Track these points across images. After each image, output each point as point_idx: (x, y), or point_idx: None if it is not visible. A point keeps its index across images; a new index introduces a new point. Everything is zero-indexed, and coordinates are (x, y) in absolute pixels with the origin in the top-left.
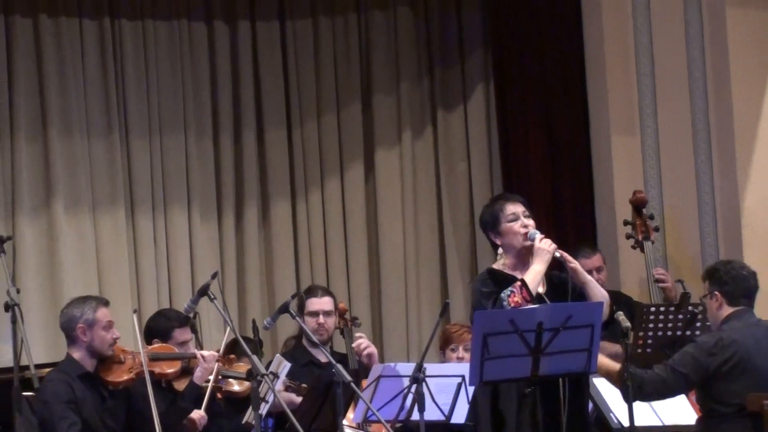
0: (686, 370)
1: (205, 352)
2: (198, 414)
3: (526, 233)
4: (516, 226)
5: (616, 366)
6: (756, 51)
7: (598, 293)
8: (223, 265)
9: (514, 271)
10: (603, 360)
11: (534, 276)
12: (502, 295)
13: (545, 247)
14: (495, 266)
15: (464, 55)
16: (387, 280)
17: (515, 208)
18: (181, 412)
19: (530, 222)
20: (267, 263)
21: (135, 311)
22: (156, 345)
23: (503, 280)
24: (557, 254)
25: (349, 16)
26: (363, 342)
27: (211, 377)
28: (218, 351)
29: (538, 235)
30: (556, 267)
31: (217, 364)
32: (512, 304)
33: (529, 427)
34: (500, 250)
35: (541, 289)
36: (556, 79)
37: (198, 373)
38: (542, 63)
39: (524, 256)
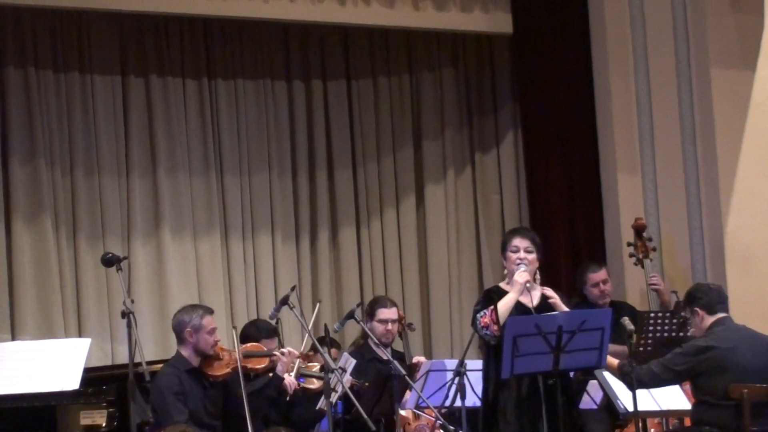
0: (675, 368)
1: (285, 349)
2: (289, 379)
3: (517, 265)
4: (514, 256)
5: (614, 362)
6: (736, 104)
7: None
8: (301, 280)
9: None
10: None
11: (505, 302)
12: (478, 315)
13: (519, 279)
14: (501, 284)
15: (497, 109)
16: (434, 291)
17: (520, 243)
18: (266, 399)
19: (528, 256)
20: (336, 278)
21: (234, 328)
22: (248, 345)
23: (497, 296)
24: (528, 285)
25: (403, 76)
26: (420, 360)
27: (293, 371)
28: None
29: (521, 269)
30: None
31: (298, 360)
32: (482, 323)
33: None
34: (506, 271)
35: (533, 303)
36: (571, 128)
37: (280, 367)
38: (560, 115)
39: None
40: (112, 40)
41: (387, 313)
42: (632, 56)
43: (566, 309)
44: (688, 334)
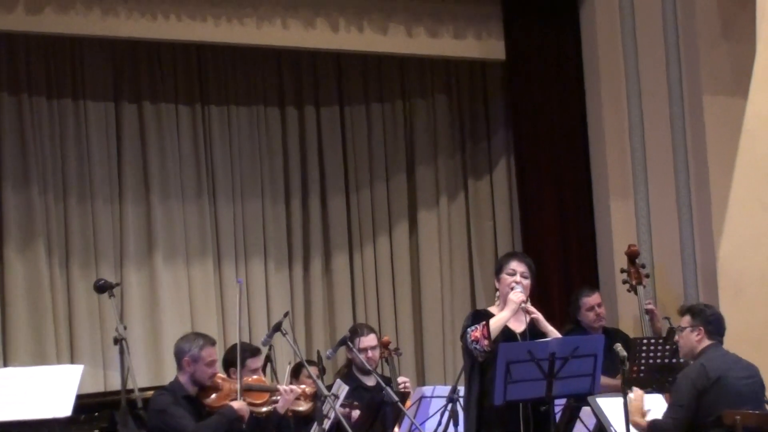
0: (687, 402)
1: (287, 387)
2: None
3: (511, 288)
4: (509, 279)
5: (644, 423)
6: (728, 131)
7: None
8: (293, 307)
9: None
10: (636, 419)
11: (498, 320)
12: (469, 329)
13: (514, 298)
14: (489, 307)
15: (490, 135)
16: (427, 317)
17: (517, 267)
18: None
19: (523, 281)
20: (329, 305)
21: (224, 359)
22: (250, 378)
23: (482, 317)
24: (523, 305)
25: (396, 102)
26: (405, 382)
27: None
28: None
29: (518, 289)
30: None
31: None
32: (472, 337)
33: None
34: (497, 294)
35: (519, 329)
36: (564, 155)
37: (281, 403)
38: (553, 142)
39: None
40: (106, 66)
41: (366, 341)
42: (624, 83)
43: (549, 326)
44: (681, 360)
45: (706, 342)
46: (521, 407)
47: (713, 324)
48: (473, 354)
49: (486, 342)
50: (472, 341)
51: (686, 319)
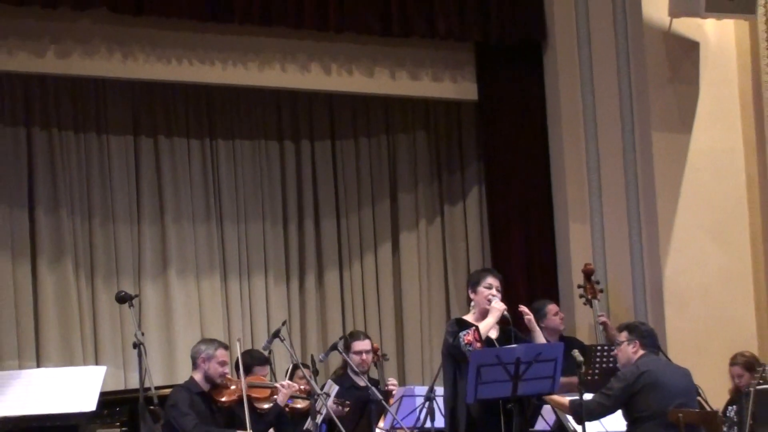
0: (618, 393)
1: (285, 382)
2: None
3: (489, 299)
4: (487, 292)
5: (564, 401)
6: (674, 164)
7: (540, 339)
8: (290, 316)
9: (476, 322)
10: (554, 397)
11: (486, 325)
12: (461, 333)
13: (497, 307)
14: (464, 316)
15: (463, 167)
16: (408, 326)
17: (493, 281)
18: (265, 424)
19: (498, 294)
20: (321, 315)
21: (236, 363)
22: (252, 377)
23: (464, 326)
24: (505, 313)
25: (381, 137)
26: (394, 384)
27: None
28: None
29: (496, 300)
30: (507, 322)
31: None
32: (466, 341)
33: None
34: (473, 304)
35: (494, 335)
36: (529, 185)
37: (280, 398)
38: (519, 173)
39: (485, 313)
40: (126, 105)
41: (361, 345)
42: (583, 122)
43: (536, 326)
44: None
45: (641, 352)
46: (501, 404)
47: (647, 338)
48: (466, 355)
49: (479, 344)
50: (466, 344)
51: (623, 335)
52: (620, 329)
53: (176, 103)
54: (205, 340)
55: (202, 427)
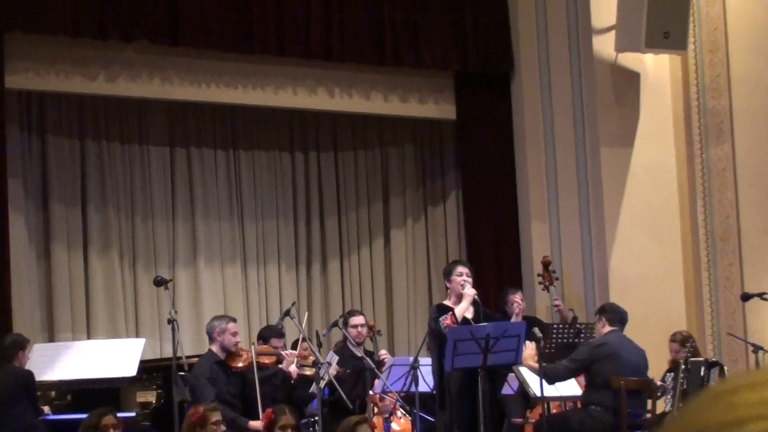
0: (579, 357)
1: (288, 351)
2: (293, 369)
3: (462, 285)
4: (459, 279)
5: (536, 366)
6: (618, 173)
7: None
8: (299, 298)
9: (453, 305)
10: (529, 362)
11: (460, 309)
12: (440, 318)
13: (469, 292)
14: (444, 302)
15: (444, 175)
16: (397, 307)
17: (463, 270)
18: (273, 385)
19: (468, 279)
20: (325, 297)
21: (253, 343)
22: (261, 345)
23: (444, 310)
24: (476, 297)
25: (375, 149)
26: (385, 354)
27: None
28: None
29: (468, 286)
30: (478, 304)
31: (296, 358)
32: (445, 324)
33: (469, 399)
34: (449, 291)
35: (469, 315)
36: (498, 189)
37: (284, 364)
38: (490, 180)
39: (460, 297)
40: (163, 121)
41: (356, 320)
42: (543, 138)
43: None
44: (581, 340)
45: (608, 328)
46: (477, 375)
47: (611, 314)
48: (446, 336)
49: (456, 326)
50: (445, 327)
51: (597, 316)
52: (596, 313)
53: (205, 120)
54: (217, 317)
55: (218, 399)
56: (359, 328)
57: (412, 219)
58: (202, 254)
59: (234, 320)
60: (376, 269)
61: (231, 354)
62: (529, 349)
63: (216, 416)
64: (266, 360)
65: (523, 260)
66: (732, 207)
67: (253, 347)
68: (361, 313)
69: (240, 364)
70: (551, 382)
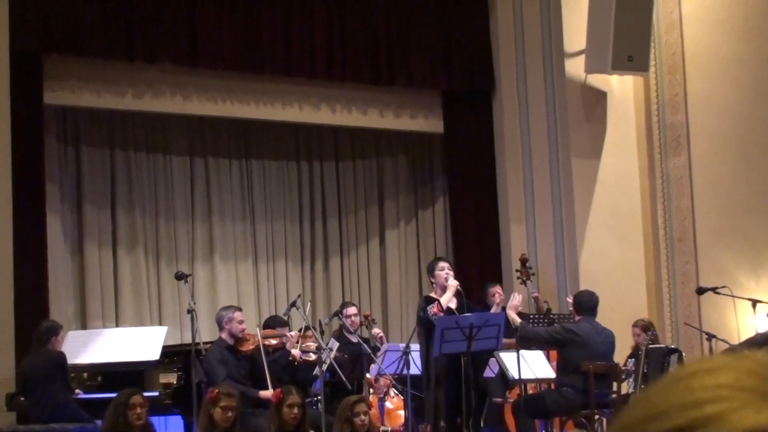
0: (556, 336)
1: (290, 333)
2: (296, 352)
3: (446, 278)
4: (442, 273)
5: (517, 319)
6: (588, 181)
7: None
8: (304, 292)
9: (438, 296)
10: (512, 314)
11: (445, 298)
12: (428, 307)
13: (452, 284)
14: (431, 294)
15: (433, 182)
16: (390, 299)
17: (444, 264)
18: (279, 366)
19: (450, 273)
20: (327, 290)
21: (258, 326)
22: (266, 330)
23: (431, 301)
24: (459, 288)
25: (372, 159)
26: (379, 332)
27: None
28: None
29: (450, 278)
30: (461, 295)
31: (300, 341)
32: (432, 312)
33: (454, 381)
34: (434, 285)
35: (453, 305)
36: (481, 195)
37: (288, 344)
38: (474, 187)
39: (444, 289)
40: (184, 133)
41: (349, 310)
42: (521, 149)
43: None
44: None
45: (577, 317)
46: (462, 360)
47: (581, 304)
48: (433, 323)
49: (441, 314)
50: (433, 315)
51: (572, 306)
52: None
53: (221, 133)
54: (224, 308)
55: (229, 378)
56: (352, 318)
57: (404, 221)
58: (218, 252)
59: (239, 309)
60: (372, 265)
61: (238, 339)
62: (516, 300)
63: (230, 394)
64: (272, 342)
65: (503, 257)
66: (688, 211)
67: (258, 329)
68: (353, 304)
69: (248, 348)
70: (523, 341)
